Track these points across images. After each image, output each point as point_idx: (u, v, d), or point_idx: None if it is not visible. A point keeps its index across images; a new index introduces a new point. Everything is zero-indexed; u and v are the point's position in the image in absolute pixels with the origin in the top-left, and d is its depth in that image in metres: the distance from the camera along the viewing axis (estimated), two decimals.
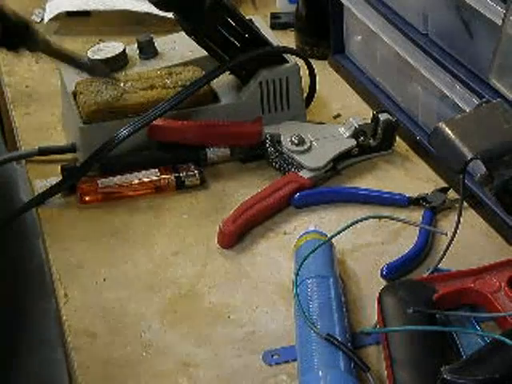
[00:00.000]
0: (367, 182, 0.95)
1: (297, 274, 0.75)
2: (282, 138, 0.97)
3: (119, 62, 1.05)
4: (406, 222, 0.86)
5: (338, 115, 1.07)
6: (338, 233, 0.80)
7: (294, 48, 1.17)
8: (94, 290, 0.82)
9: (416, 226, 0.85)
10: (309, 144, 0.96)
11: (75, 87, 0.99)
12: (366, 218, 0.83)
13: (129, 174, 0.94)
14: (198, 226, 0.89)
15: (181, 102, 0.95)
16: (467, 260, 0.81)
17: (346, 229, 0.80)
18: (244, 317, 0.78)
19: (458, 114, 0.73)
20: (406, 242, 0.85)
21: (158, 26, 1.24)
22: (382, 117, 0.97)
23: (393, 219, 0.86)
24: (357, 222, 0.81)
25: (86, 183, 0.93)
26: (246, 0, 1.37)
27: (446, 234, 0.81)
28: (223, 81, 1.01)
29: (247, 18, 1.00)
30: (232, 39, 0.96)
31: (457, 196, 0.90)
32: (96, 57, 1.04)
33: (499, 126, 0.70)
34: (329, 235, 0.82)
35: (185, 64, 1.04)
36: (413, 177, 0.96)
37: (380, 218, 0.87)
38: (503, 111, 0.71)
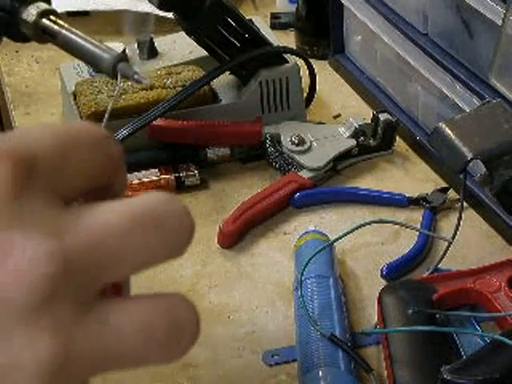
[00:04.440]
0: (367, 182, 0.95)
1: (302, 274, 0.75)
2: (282, 138, 0.97)
3: None
4: (412, 228, 0.86)
5: (338, 115, 1.07)
6: (341, 237, 0.80)
7: (294, 48, 1.17)
8: None
9: (417, 230, 0.85)
10: (309, 144, 0.96)
11: (75, 87, 0.99)
12: (368, 223, 0.82)
13: (129, 174, 0.94)
14: (197, 226, 0.88)
15: (181, 101, 0.94)
16: (467, 260, 0.81)
17: (349, 233, 0.80)
18: (244, 317, 0.78)
19: (457, 114, 0.73)
20: (406, 242, 0.85)
21: (158, 26, 1.24)
22: (382, 117, 0.97)
23: (396, 224, 0.85)
24: (360, 226, 0.81)
25: None
26: (246, 0, 1.37)
27: (448, 241, 0.79)
28: (223, 81, 1.01)
29: (247, 18, 1.00)
30: (232, 39, 0.96)
31: (457, 196, 0.90)
32: None
33: (499, 125, 0.70)
34: (329, 235, 0.82)
35: (185, 64, 1.04)
36: (413, 177, 0.96)
37: (382, 222, 0.85)
38: (503, 111, 0.71)
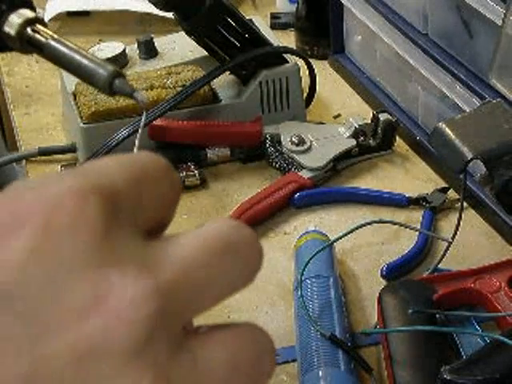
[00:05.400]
0: (367, 182, 0.95)
1: (302, 274, 0.75)
2: (282, 138, 0.97)
3: (119, 62, 1.05)
4: (412, 229, 0.85)
5: (338, 115, 1.07)
6: (341, 237, 0.80)
7: (294, 48, 1.17)
8: None
9: (416, 230, 0.85)
10: (309, 144, 0.96)
11: (75, 87, 0.99)
12: (369, 223, 0.82)
13: None
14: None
15: (181, 101, 0.94)
16: (467, 260, 0.81)
17: (349, 233, 0.80)
18: (244, 317, 0.78)
19: (457, 114, 0.73)
20: (406, 242, 0.85)
21: (158, 26, 1.24)
22: (382, 117, 0.97)
23: (395, 224, 0.85)
24: (360, 226, 0.81)
25: None
26: (246, 0, 1.37)
27: (448, 241, 0.79)
28: (223, 81, 1.01)
29: (247, 18, 1.00)
30: (232, 39, 0.96)
31: (457, 196, 0.90)
32: None
33: (499, 125, 0.70)
34: (329, 235, 0.82)
35: (185, 64, 1.04)
36: (413, 177, 0.96)
37: (382, 222, 0.85)
38: (503, 111, 0.71)
